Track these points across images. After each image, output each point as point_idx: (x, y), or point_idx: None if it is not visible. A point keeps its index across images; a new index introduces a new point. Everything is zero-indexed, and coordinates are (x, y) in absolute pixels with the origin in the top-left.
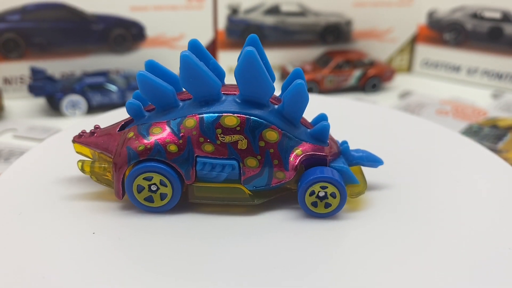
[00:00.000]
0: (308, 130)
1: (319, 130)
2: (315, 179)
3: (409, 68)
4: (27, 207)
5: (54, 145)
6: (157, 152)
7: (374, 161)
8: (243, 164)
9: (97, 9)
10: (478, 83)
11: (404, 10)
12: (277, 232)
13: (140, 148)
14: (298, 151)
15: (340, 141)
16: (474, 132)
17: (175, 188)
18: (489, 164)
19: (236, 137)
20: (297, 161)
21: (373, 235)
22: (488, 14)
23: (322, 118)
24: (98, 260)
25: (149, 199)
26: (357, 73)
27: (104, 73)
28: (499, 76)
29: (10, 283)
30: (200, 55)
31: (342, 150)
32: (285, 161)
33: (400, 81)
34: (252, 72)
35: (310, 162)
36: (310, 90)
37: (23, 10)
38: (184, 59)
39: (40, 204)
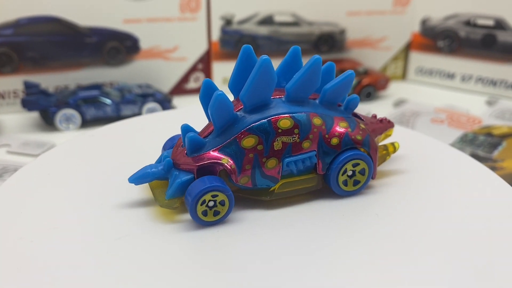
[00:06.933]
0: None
1: None
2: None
3: (403, 76)
4: (22, 227)
5: (48, 162)
6: None
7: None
8: None
9: (90, 22)
10: (473, 90)
11: (397, 18)
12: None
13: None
14: None
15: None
16: (469, 140)
17: None
18: (479, 176)
19: None
20: None
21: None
22: (481, 22)
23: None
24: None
25: None
26: None
27: (98, 86)
28: (493, 83)
29: None
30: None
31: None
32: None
33: (395, 89)
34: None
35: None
36: None
37: (16, 24)
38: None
39: (36, 224)
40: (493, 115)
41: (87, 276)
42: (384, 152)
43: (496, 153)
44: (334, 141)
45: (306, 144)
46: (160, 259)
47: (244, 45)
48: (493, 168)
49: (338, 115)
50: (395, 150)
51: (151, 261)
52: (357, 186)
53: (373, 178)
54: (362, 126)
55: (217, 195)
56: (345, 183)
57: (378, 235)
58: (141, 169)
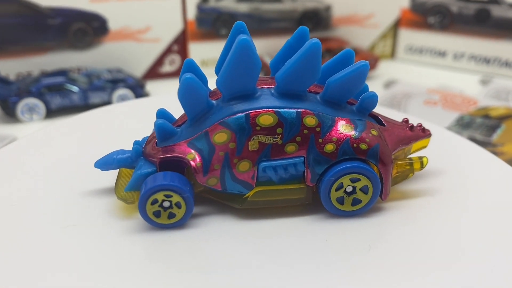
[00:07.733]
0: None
1: None
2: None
3: (392, 54)
4: None
5: (9, 157)
6: None
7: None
8: None
9: (53, 2)
10: (465, 68)
11: None
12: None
13: None
14: None
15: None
16: (466, 123)
17: None
18: (481, 161)
19: None
20: None
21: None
22: None
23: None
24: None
25: None
26: None
27: (63, 72)
28: (487, 60)
29: None
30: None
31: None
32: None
33: (384, 69)
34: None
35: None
36: None
37: None
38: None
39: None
40: (489, 95)
41: (17, 259)
42: (408, 167)
43: (495, 137)
44: (329, 147)
45: (290, 148)
46: (94, 255)
47: (237, 22)
48: (494, 153)
49: (343, 116)
50: (422, 166)
51: (84, 256)
52: (357, 207)
53: (382, 198)
54: (374, 132)
55: (171, 196)
56: (341, 200)
57: (359, 279)
58: (108, 154)
